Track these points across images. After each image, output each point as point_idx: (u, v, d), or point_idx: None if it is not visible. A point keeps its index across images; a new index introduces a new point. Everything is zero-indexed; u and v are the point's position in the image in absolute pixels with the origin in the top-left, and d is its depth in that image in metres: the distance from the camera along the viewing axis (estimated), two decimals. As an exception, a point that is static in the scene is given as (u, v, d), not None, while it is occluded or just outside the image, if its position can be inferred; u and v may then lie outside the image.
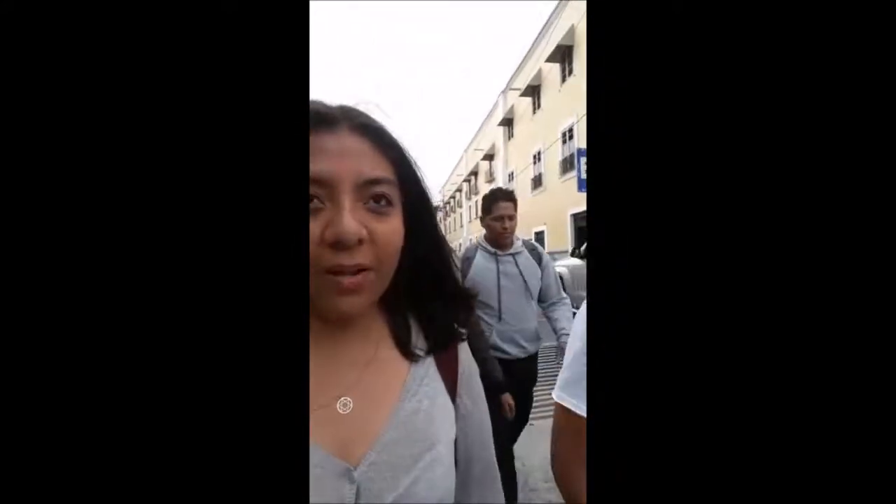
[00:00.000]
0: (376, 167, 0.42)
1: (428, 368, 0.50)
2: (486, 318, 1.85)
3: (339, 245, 0.38)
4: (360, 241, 0.39)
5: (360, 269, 0.40)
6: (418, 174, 0.47)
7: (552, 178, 14.76)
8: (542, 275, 1.99)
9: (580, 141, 12.36)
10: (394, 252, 0.43)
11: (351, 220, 0.39)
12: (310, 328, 0.40)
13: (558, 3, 13.95)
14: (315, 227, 0.38)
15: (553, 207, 14.14)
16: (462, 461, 0.51)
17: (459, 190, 34.23)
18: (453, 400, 0.50)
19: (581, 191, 10.68)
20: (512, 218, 1.93)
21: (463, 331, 0.54)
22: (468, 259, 1.94)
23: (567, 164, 13.39)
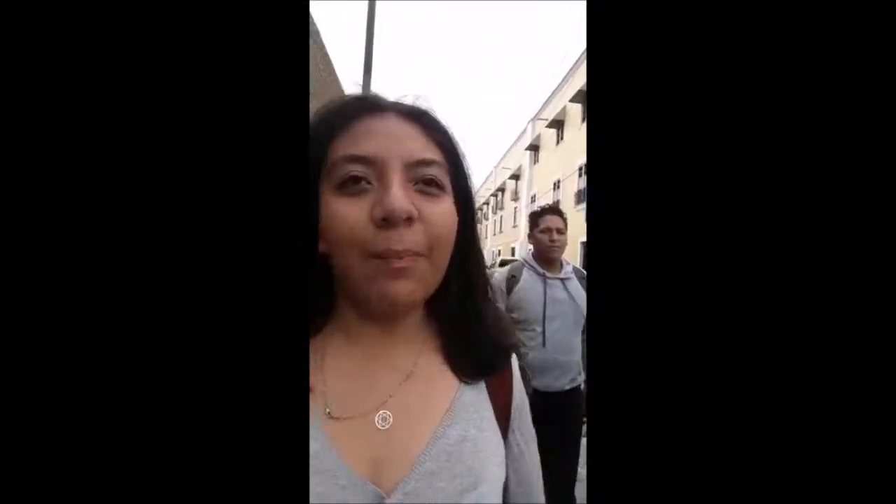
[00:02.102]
0: (426, 149, 0.40)
1: (479, 393, 0.44)
2: (526, 341, 1.66)
3: (387, 223, 0.36)
4: (410, 220, 0.36)
5: (410, 253, 0.37)
6: (465, 164, 0.44)
7: (568, 206, 16.36)
8: None
9: (592, 177, 13.98)
10: (447, 236, 0.40)
11: (401, 195, 0.36)
12: (345, 325, 0.41)
13: (583, 52, 15.61)
14: (361, 208, 0.36)
15: (569, 233, 15.66)
16: None
17: (487, 203, 35.96)
18: (504, 436, 0.45)
19: (588, 223, 12.28)
20: (561, 232, 1.79)
21: (521, 350, 0.49)
22: (514, 277, 1.78)
23: (581, 196, 14.97)
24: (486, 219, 36.14)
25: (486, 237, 34.80)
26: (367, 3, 5.38)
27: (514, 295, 1.75)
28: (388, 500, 0.36)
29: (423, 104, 0.43)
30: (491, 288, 0.48)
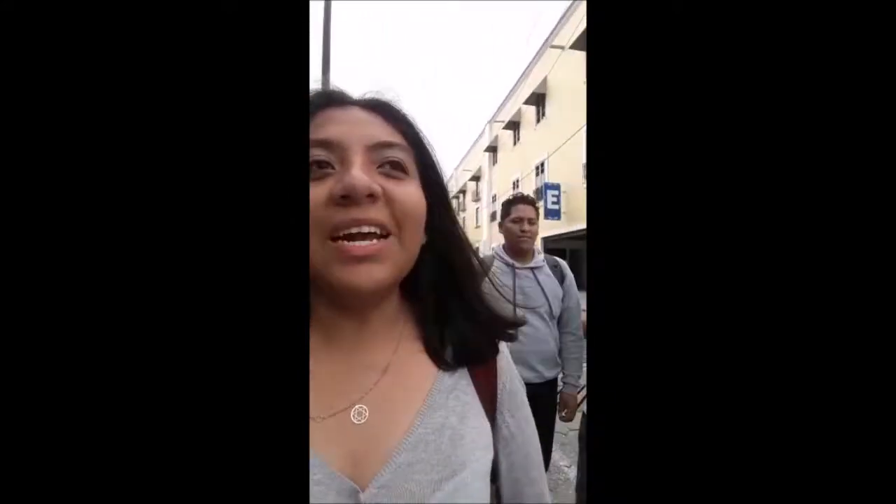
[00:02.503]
0: (388, 134, 0.40)
1: (459, 379, 0.44)
2: None
3: (348, 199, 0.35)
4: (373, 197, 0.36)
5: (374, 234, 0.36)
6: (430, 148, 0.44)
7: (527, 203, 16.89)
8: (563, 295, 1.77)
9: (549, 175, 14.51)
10: (415, 216, 0.39)
11: (361, 173, 0.35)
12: (323, 323, 0.40)
13: (535, 55, 16.18)
14: (323, 189, 0.35)
15: (527, 230, 16.18)
16: (508, 496, 0.45)
17: (449, 205, 36.23)
18: (492, 419, 0.44)
19: (547, 219, 12.73)
20: (532, 223, 1.74)
21: (510, 334, 0.47)
22: None
23: (539, 194, 15.50)
24: (449, 220, 36.38)
25: (450, 239, 35.00)
26: (322, 2, 5.44)
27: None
28: (362, 495, 0.36)
29: (386, 96, 0.44)
30: (484, 274, 0.47)
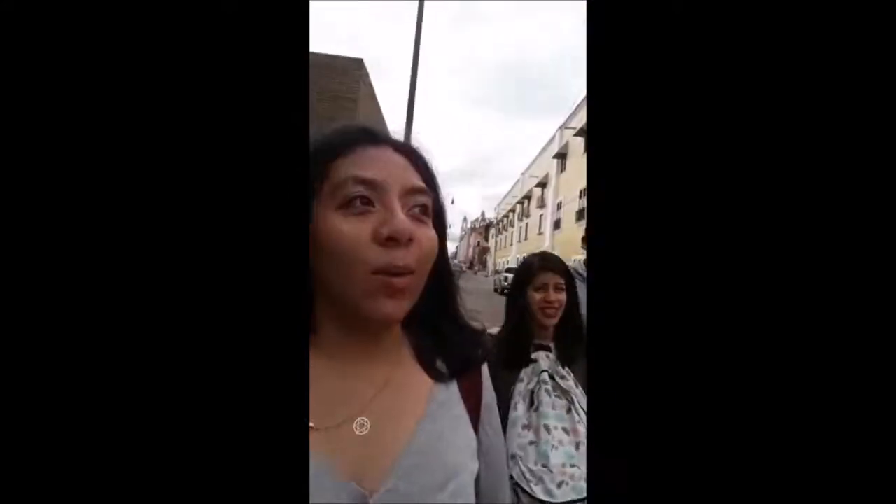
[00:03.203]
0: (418, 179, 0.44)
1: (451, 393, 0.48)
2: None
3: (393, 242, 0.39)
4: (410, 241, 0.40)
5: (408, 272, 0.40)
6: (441, 195, 0.49)
7: (594, 212, 16.57)
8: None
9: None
10: (433, 256, 0.44)
11: (405, 219, 0.40)
12: (330, 341, 0.43)
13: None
14: (365, 227, 0.39)
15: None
16: (483, 492, 0.49)
17: (513, 211, 36.23)
18: (475, 430, 0.48)
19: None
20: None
21: (482, 352, 0.52)
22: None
23: (607, 203, 15.16)
24: (512, 226, 36.37)
25: (513, 244, 34.99)
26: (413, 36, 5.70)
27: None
28: (371, 500, 0.38)
29: (413, 142, 0.48)
30: (461, 299, 0.53)
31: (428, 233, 0.43)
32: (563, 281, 1.20)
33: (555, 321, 1.17)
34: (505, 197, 42.57)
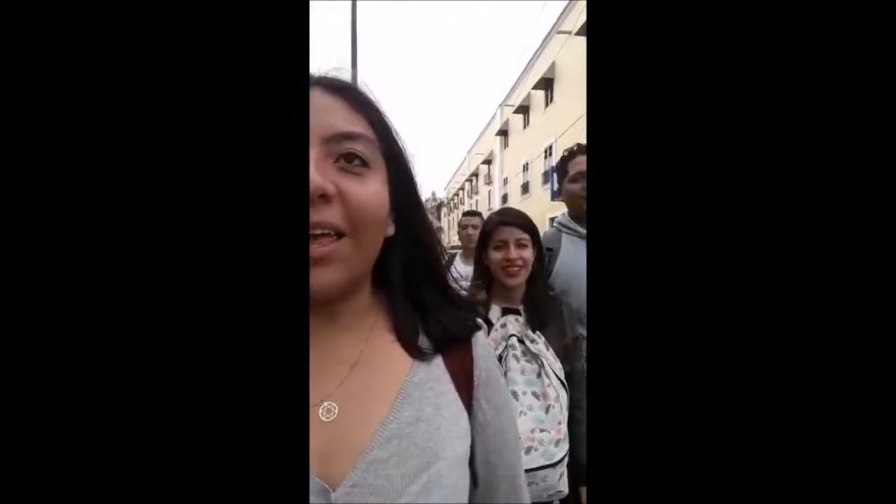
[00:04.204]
0: (349, 123, 0.38)
1: (434, 369, 0.43)
2: (583, 330, 1.20)
3: None
4: (326, 198, 0.35)
5: (327, 235, 0.35)
6: (398, 139, 0.43)
7: (536, 186, 17.49)
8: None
9: (556, 160, 15.10)
10: (373, 216, 0.38)
11: (314, 173, 0.34)
12: None
13: (542, 40, 16.57)
14: None
15: (536, 211, 16.85)
16: (483, 480, 0.45)
17: (462, 188, 36.90)
18: (468, 406, 0.44)
19: (553, 200, 13.37)
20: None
21: (480, 323, 0.48)
22: (550, 251, 1.39)
23: (547, 176, 16.09)
24: (463, 203, 37.06)
25: (464, 221, 35.65)
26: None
27: (556, 273, 1.36)
28: (333, 494, 0.35)
29: (345, 75, 0.42)
30: (448, 263, 0.48)
31: (362, 186, 0.38)
32: (525, 236, 1.07)
33: (519, 280, 1.08)
34: (453, 175, 43.17)
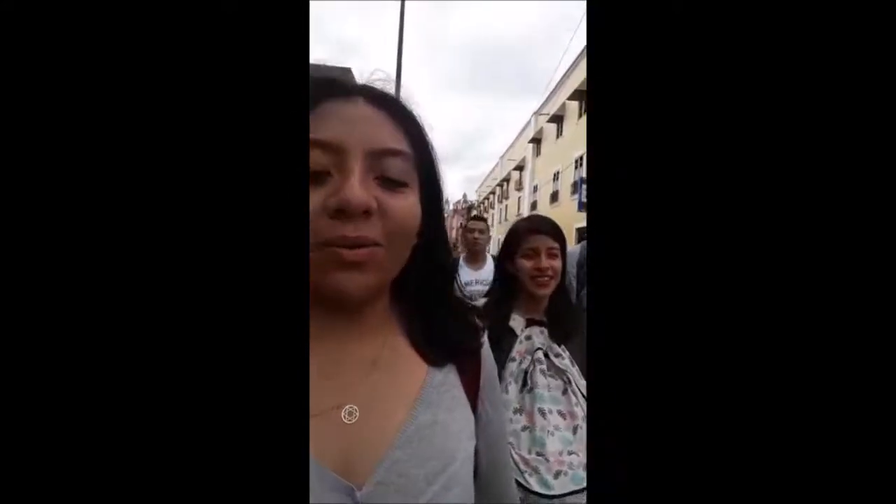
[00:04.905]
0: (392, 138, 0.39)
1: (448, 374, 0.46)
2: None
3: (342, 214, 0.35)
4: (368, 214, 0.36)
5: (365, 244, 0.36)
6: (434, 155, 0.44)
7: (565, 195, 17.68)
8: None
9: (585, 171, 15.29)
10: (408, 230, 0.40)
11: (358, 188, 0.35)
12: (310, 321, 0.36)
13: (581, 51, 16.77)
14: (318, 196, 0.35)
15: (564, 220, 16.90)
16: (483, 474, 0.48)
17: (493, 193, 37.20)
18: (474, 409, 0.47)
19: (580, 211, 13.59)
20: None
21: (486, 333, 0.50)
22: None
23: (576, 186, 16.28)
24: (493, 207, 37.37)
25: (493, 225, 35.98)
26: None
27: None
28: (358, 493, 0.36)
29: (390, 88, 0.42)
30: (453, 277, 0.49)
31: (401, 202, 0.38)
32: (556, 245, 1.04)
33: (549, 290, 1.04)
34: (485, 179, 43.48)
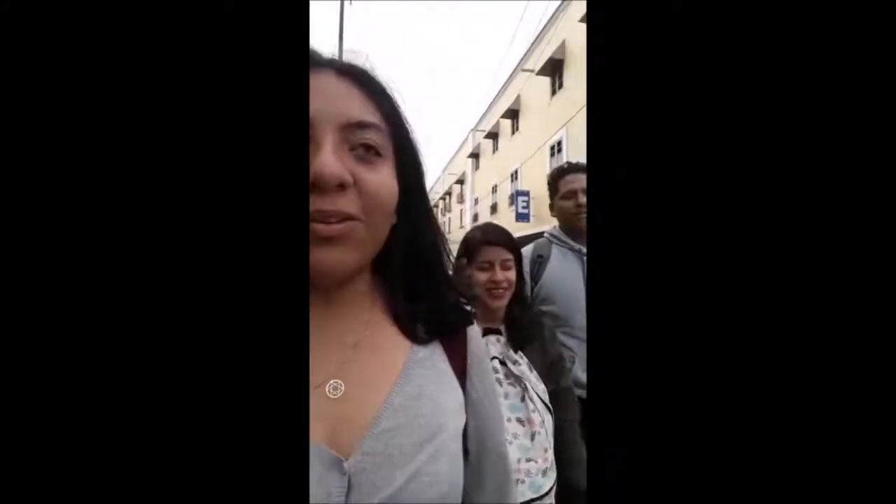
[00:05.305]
0: (364, 111, 0.38)
1: (433, 351, 0.46)
2: (566, 340, 1.29)
3: (316, 188, 0.34)
4: (343, 187, 0.35)
5: (342, 219, 0.36)
6: (408, 125, 0.43)
7: (503, 206, 18.71)
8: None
9: (521, 184, 16.36)
10: (386, 204, 0.39)
11: (332, 160, 0.35)
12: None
13: (510, 74, 17.97)
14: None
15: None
16: (474, 452, 0.48)
17: (436, 206, 38.02)
18: (462, 387, 0.47)
19: (517, 222, 14.52)
20: (585, 194, 1.44)
21: (472, 311, 0.50)
22: (540, 258, 1.46)
23: (513, 199, 17.30)
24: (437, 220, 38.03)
25: (437, 238, 36.55)
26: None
27: (543, 281, 1.41)
28: (346, 463, 0.37)
29: (362, 62, 0.41)
30: (448, 253, 0.48)
31: (376, 175, 0.38)
32: (510, 256, 1.06)
33: (503, 302, 1.06)
34: (428, 192, 44.17)
